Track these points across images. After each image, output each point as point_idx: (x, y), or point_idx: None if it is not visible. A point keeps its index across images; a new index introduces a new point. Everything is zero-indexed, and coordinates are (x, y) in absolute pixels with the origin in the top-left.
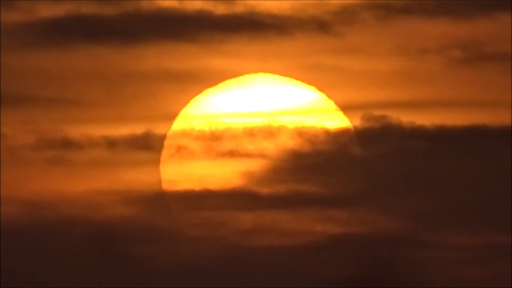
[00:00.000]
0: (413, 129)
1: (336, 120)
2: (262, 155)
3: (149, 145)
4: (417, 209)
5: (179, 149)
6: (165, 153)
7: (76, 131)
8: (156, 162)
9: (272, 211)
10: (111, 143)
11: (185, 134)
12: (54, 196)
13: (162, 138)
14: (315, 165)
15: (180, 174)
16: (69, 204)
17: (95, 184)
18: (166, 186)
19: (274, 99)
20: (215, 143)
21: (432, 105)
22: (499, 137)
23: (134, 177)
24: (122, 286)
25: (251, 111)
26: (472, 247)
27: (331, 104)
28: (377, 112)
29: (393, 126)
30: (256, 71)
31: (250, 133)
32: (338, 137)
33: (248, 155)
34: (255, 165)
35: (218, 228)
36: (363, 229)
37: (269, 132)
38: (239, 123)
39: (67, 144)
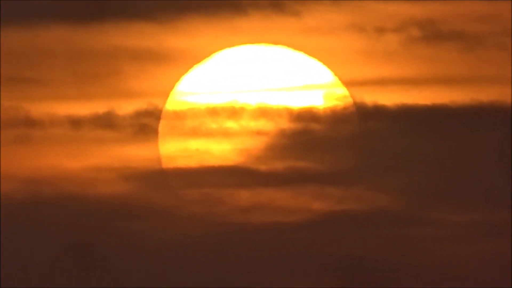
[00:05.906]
0: (376, 108)
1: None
2: (259, 133)
3: (113, 124)
4: (412, 187)
5: (143, 127)
6: (130, 132)
7: (39, 110)
8: (120, 141)
9: (270, 188)
10: (75, 122)
11: (148, 112)
12: (45, 173)
13: (126, 117)
14: (313, 143)
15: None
16: (56, 181)
17: (83, 161)
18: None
19: (236, 79)
20: (179, 122)
21: (392, 84)
22: (460, 116)
23: (99, 155)
24: (119, 262)
25: (215, 91)
26: (464, 224)
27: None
28: (340, 91)
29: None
30: (214, 51)
31: (214, 112)
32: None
33: (242, 134)
34: (253, 143)
35: (215, 205)
36: (360, 207)
37: (233, 111)
38: (202, 103)
39: (31, 123)
